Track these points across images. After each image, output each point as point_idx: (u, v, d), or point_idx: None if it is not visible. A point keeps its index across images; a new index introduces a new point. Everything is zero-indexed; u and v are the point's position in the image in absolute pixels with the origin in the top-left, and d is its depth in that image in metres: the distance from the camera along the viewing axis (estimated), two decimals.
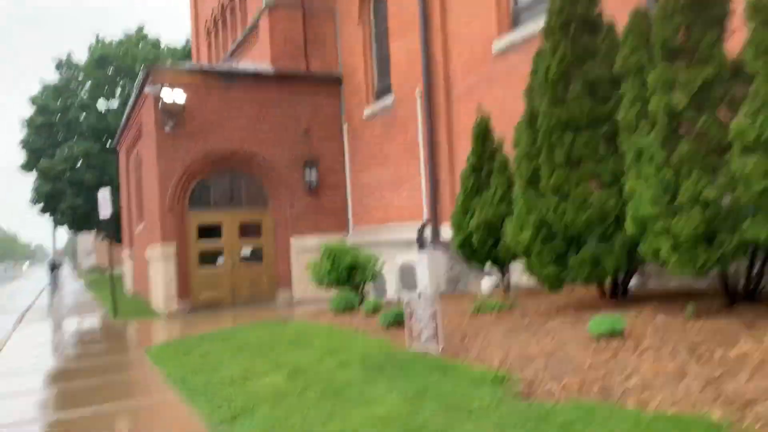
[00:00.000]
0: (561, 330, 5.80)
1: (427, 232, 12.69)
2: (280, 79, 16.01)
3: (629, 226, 5.67)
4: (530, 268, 6.75)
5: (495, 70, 10.81)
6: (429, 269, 11.24)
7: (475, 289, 11.02)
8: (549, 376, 4.60)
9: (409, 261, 11.78)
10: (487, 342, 6.00)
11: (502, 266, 8.96)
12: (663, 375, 4.12)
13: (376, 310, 8.66)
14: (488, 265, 9.00)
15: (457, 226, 8.94)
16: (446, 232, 12.06)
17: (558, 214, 6.29)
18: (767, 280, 5.77)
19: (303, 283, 15.52)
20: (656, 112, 5.25)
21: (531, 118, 6.70)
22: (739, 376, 3.83)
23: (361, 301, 10.22)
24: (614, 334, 5.17)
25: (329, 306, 9.68)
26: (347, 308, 9.35)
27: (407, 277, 11.69)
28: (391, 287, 12.05)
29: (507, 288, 8.97)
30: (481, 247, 8.50)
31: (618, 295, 6.91)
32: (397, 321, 7.33)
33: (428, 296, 6.02)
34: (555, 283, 6.60)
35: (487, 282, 10.36)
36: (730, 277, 5.69)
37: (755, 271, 5.63)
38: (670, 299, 6.45)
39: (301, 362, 6.44)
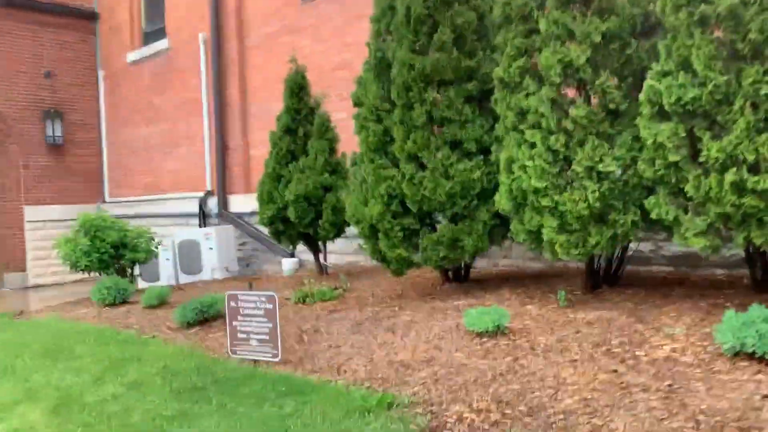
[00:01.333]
0: (425, 325, 4.78)
1: (212, 204, 10.89)
2: (12, 4, 12.54)
3: (503, 202, 4.84)
4: (374, 249, 5.63)
5: (302, 19, 9.40)
6: (218, 248, 9.54)
7: (273, 271, 9.65)
8: (448, 394, 3.52)
9: (191, 238, 9.92)
10: (335, 343, 4.74)
11: (316, 245, 7.73)
12: (600, 387, 3.30)
13: (162, 301, 6.81)
14: (300, 243, 7.70)
15: (267, 198, 7.46)
16: (236, 203, 10.45)
17: (414, 186, 5.23)
18: (629, 262, 5.43)
19: (42, 265, 12.56)
20: (549, 67, 4.44)
21: (380, 69, 5.52)
22: (695, 387, 3.14)
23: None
24: (499, 330, 4.29)
25: (93, 296, 7.50)
26: (119, 299, 7.29)
27: (188, 257, 9.83)
28: (166, 271, 10.06)
29: (323, 270, 7.76)
30: (299, 223, 7.15)
31: (461, 278, 6.14)
32: (202, 318, 5.67)
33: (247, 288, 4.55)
34: (403, 267, 5.58)
35: (289, 263, 9.06)
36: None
37: (618, 253, 5.22)
38: (519, 282, 5.85)
39: (69, 385, 4.49)
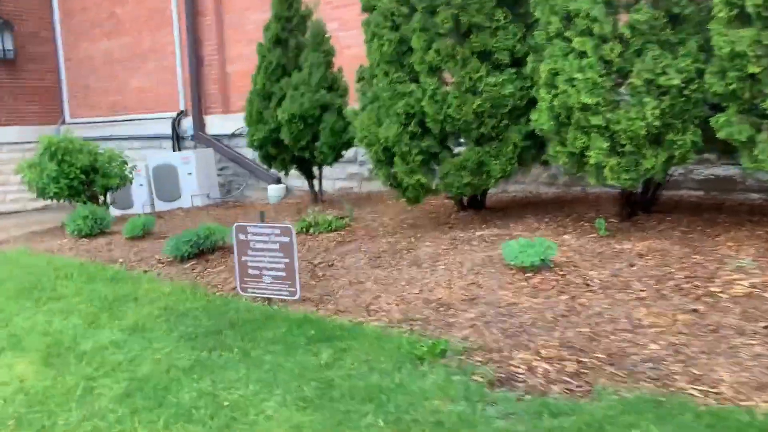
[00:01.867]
0: (452, 258, 4.35)
1: (186, 125, 10.09)
2: None
3: (542, 120, 4.33)
4: (387, 175, 5.10)
5: None
6: (198, 173, 8.87)
7: (256, 198, 9.06)
8: (506, 339, 3.12)
9: (167, 162, 9.19)
10: (356, 279, 4.28)
11: (310, 170, 7.15)
12: (685, 330, 2.93)
13: (146, 231, 6.22)
14: (293, 168, 7.10)
15: (256, 118, 6.79)
16: (214, 125, 9.70)
17: (437, 103, 4.67)
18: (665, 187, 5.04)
19: (0, 191, 11.69)
20: None
21: None
22: None
23: None
24: (543, 264, 3.87)
25: (67, 226, 6.84)
26: (96, 229, 6.65)
27: (165, 183, 9.14)
28: (140, 198, 9.37)
29: (317, 197, 7.22)
30: (293, 146, 6.53)
31: (478, 206, 5.70)
32: (198, 251, 5.13)
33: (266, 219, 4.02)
34: (420, 195, 5.08)
35: (275, 190, 8.49)
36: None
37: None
38: (541, 209, 5.44)
39: (58, 330, 3.95)
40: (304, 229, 5.57)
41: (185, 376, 3.10)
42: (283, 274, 4.00)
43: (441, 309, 3.59)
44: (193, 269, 4.97)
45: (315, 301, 4.02)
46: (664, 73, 3.78)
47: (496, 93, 4.56)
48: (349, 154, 7.23)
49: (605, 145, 4.01)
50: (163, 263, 5.24)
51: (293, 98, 6.41)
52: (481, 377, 2.78)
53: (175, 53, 10.16)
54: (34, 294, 4.69)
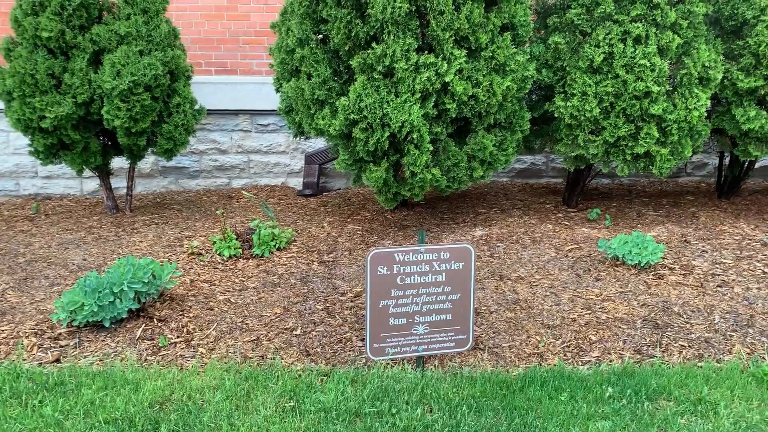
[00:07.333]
0: (528, 262, 3.66)
1: None
2: None
3: (587, 107, 4.01)
4: (379, 170, 3.88)
5: None
6: None
7: None
8: None
9: None
10: (478, 303, 3.18)
11: (109, 165, 4.84)
12: None
13: None
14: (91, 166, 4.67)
15: (44, 84, 4.24)
16: None
17: (464, 81, 3.80)
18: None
19: None
20: None
21: None
22: None
23: None
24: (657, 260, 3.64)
25: None
26: None
27: None
28: None
29: (117, 205, 4.90)
30: (127, 129, 4.29)
31: (405, 202, 4.90)
32: (139, 306, 2.91)
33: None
34: (420, 193, 4.05)
35: None
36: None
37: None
38: (480, 200, 5.04)
39: None
40: (223, 251, 3.77)
41: None
42: (447, 317, 2.70)
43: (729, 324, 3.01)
44: (144, 341, 2.80)
45: (491, 350, 2.83)
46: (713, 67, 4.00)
47: (521, 74, 4.00)
48: None
49: (657, 134, 3.99)
50: (58, 339, 2.79)
51: (129, 57, 4.20)
52: None
53: None
54: None
